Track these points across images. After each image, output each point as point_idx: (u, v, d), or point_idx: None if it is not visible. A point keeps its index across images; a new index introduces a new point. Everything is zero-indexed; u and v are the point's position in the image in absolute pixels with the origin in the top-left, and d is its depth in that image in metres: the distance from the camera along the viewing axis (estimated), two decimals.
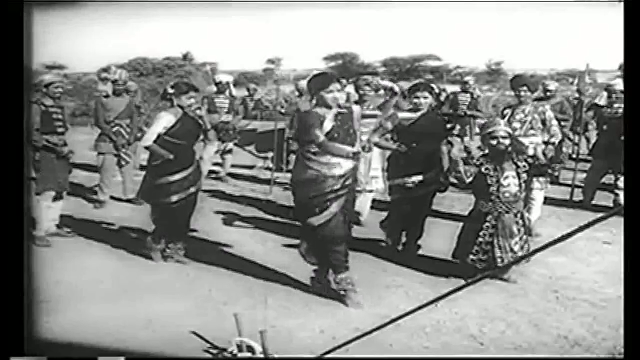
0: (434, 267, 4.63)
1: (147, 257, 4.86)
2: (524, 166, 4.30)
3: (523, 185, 4.33)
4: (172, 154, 4.62)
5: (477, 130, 8.59)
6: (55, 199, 5.37)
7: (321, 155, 3.83)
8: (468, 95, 8.68)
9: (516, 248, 4.27)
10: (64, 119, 5.41)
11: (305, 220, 3.95)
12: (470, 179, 4.28)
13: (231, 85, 8.28)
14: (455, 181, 4.50)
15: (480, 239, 4.29)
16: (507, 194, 4.25)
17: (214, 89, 8.26)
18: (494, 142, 4.26)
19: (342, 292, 3.99)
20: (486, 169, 4.27)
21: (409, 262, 4.76)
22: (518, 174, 4.27)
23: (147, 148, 4.72)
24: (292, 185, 4.06)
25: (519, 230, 4.30)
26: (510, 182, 4.26)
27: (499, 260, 4.24)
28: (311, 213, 3.89)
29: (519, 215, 4.32)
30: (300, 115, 4.75)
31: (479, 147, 4.79)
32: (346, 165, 3.86)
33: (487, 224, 4.28)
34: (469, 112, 8.44)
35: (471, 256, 4.32)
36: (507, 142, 4.27)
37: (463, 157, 4.56)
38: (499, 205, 4.25)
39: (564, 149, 4.55)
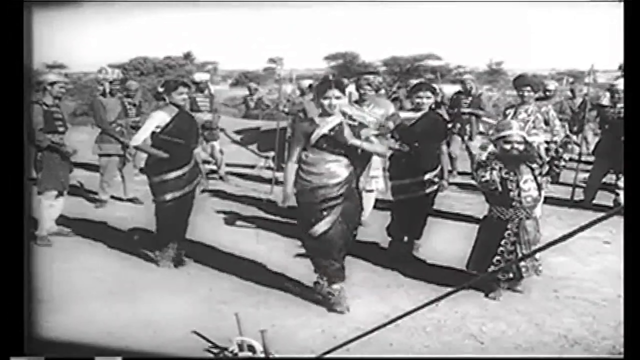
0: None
1: (148, 257, 4.86)
2: (538, 168, 4.06)
3: (539, 189, 4.09)
4: (167, 152, 4.59)
5: (481, 129, 8.57)
6: (56, 198, 5.38)
7: (312, 166, 3.78)
8: (469, 94, 8.63)
9: (537, 255, 4.07)
10: (64, 118, 5.42)
11: (306, 231, 3.85)
12: (499, 185, 3.96)
13: (209, 84, 8.28)
14: (477, 184, 4.21)
15: (502, 249, 4.01)
16: (528, 199, 3.99)
17: (193, 88, 8.23)
18: (508, 146, 3.99)
19: (332, 303, 3.87)
20: (507, 173, 3.97)
21: (407, 262, 4.75)
22: (535, 177, 4.04)
23: (136, 148, 4.69)
24: (295, 195, 3.93)
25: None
26: (530, 186, 4.01)
27: (523, 270, 4.03)
28: (309, 223, 3.79)
29: (536, 220, 4.13)
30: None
31: (480, 147, 4.70)
32: (340, 173, 3.76)
33: (508, 232, 4.00)
34: (467, 111, 8.42)
35: (492, 267, 4.01)
36: (521, 147, 4.02)
37: (478, 156, 4.40)
38: (520, 211, 3.98)
39: (568, 146, 4.49)
